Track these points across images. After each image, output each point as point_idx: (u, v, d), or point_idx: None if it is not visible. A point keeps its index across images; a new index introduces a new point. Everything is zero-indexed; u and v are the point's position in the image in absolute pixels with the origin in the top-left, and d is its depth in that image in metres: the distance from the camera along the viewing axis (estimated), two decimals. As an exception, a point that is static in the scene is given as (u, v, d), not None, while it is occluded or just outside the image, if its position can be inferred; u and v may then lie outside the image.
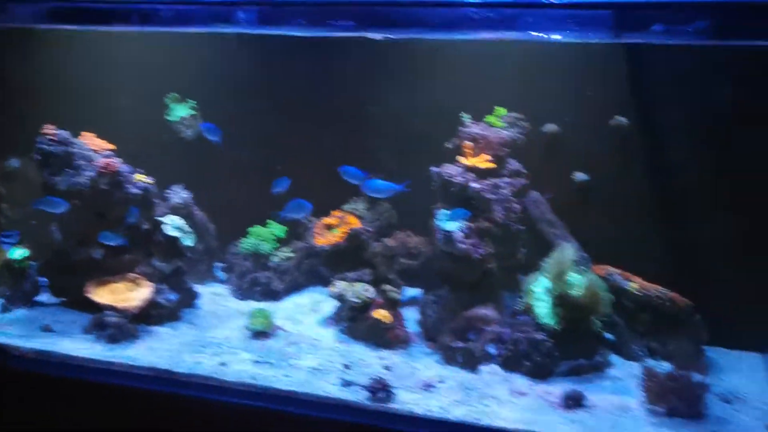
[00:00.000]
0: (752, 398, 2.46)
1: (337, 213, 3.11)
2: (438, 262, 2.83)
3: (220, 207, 3.33)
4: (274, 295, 3.14)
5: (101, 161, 2.81)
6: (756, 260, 2.65)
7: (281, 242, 3.23)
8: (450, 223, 2.64)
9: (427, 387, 2.49)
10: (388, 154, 3.13)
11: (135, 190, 2.85)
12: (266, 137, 3.27)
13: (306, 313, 3.04)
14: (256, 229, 3.22)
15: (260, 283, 3.14)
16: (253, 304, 3.09)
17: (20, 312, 2.95)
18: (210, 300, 3.13)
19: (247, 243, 3.18)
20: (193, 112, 3.26)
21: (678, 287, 2.70)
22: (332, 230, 3.09)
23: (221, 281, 3.34)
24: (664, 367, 2.46)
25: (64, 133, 2.84)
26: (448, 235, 2.67)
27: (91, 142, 2.91)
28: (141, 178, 2.88)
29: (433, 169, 2.83)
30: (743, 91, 2.63)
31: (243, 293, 3.17)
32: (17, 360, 2.69)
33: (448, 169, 2.79)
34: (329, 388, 2.47)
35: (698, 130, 2.72)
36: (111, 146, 2.96)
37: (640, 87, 2.73)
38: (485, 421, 2.28)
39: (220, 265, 3.39)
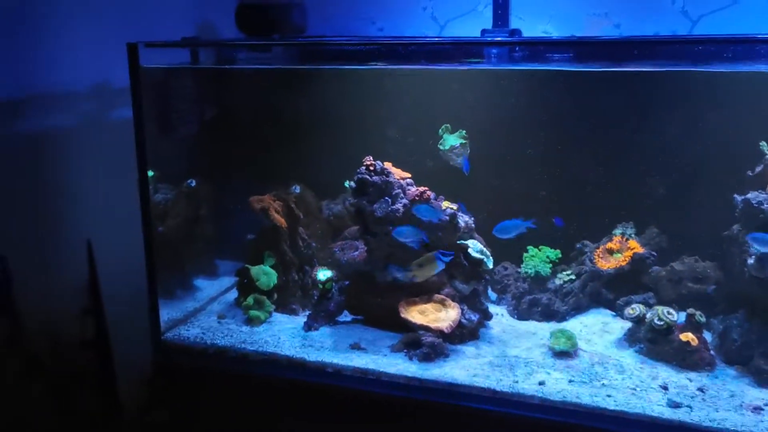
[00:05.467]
0: None
1: (617, 238, 3.21)
2: (738, 287, 2.90)
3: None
4: (555, 316, 3.24)
5: (416, 189, 2.98)
6: None
7: (554, 265, 3.35)
8: (768, 248, 2.72)
9: (756, 410, 2.56)
10: (657, 182, 3.24)
11: (444, 217, 3.00)
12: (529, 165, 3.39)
13: (596, 334, 3.12)
14: (533, 253, 3.34)
15: (541, 303, 3.25)
16: (534, 325, 3.21)
17: (324, 330, 3.16)
18: (494, 320, 3.25)
19: (528, 266, 3.30)
20: (464, 142, 3.39)
21: None
22: (614, 254, 3.19)
23: (493, 301, 3.46)
24: None
25: (380, 164, 3.02)
26: (764, 260, 2.74)
27: (392, 170, 3.08)
28: (447, 204, 3.03)
29: (737, 196, 2.91)
30: None
31: (521, 314, 3.29)
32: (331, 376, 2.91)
33: (757, 196, 2.86)
34: (657, 408, 2.59)
35: None
36: (408, 174, 3.13)
37: None
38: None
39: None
